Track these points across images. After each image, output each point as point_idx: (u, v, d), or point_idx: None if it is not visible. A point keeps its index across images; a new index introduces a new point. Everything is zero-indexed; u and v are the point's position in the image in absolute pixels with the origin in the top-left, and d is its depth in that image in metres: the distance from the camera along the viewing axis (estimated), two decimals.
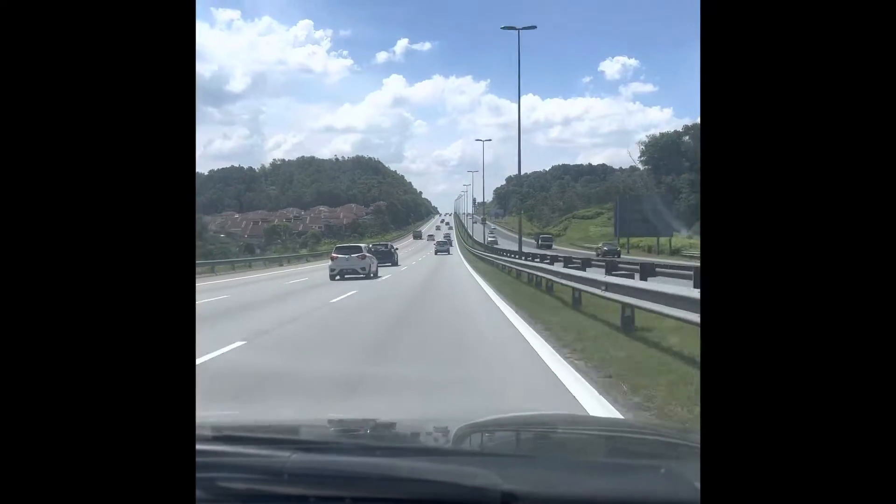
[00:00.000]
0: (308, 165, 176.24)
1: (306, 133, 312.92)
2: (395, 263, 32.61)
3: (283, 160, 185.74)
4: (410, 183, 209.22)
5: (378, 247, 34.02)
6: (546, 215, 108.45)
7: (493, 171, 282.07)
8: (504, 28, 29.00)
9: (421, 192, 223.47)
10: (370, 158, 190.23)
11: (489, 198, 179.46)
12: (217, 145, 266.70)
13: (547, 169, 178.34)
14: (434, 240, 73.87)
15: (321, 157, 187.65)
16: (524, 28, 29.24)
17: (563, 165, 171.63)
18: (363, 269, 21.40)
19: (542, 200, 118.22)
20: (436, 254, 51.53)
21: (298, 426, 1.72)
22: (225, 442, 1.05)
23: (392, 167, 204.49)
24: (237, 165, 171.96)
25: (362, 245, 25.44)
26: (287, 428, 1.65)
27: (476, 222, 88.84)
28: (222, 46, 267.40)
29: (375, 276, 21.92)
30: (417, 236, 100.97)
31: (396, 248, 38.35)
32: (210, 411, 0.96)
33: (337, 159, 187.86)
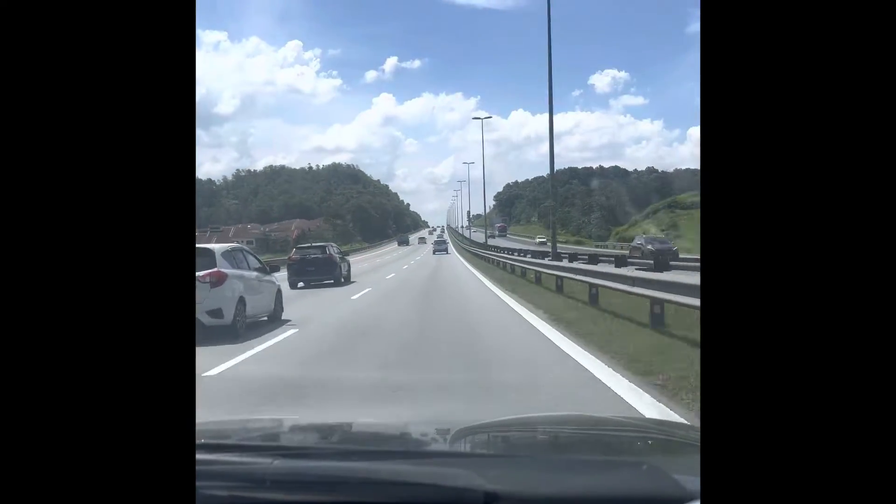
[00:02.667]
0: (276, 176, 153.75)
1: (296, 154, 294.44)
2: (340, 280, 18.12)
3: (249, 171, 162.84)
4: (397, 194, 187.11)
5: (305, 252, 18.87)
6: (575, 219, 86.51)
7: (480, 188, 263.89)
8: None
9: (409, 205, 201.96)
10: (349, 166, 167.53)
11: (489, 205, 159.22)
12: (206, 168, 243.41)
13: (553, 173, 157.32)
14: (426, 242, 70.75)
15: (291, 167, 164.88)
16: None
17: (571, 169, 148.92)
18: (218, 311, 7.34)
19: (566, 201, 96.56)
20: (434, 253, 49.39)
21: (279, 432, 1.71)
22: (206, 450, 1.03)
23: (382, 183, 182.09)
24: None
25: (215, 249, 7.69)
26: (268, 434, 1.64)
27: (493, 236, 68.27)
28: (210, 68, 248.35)
29: (279, 319, 9.32)
30: (404, 242, 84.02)
31: (345, 256, 22.12)
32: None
33: (311, 168, 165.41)
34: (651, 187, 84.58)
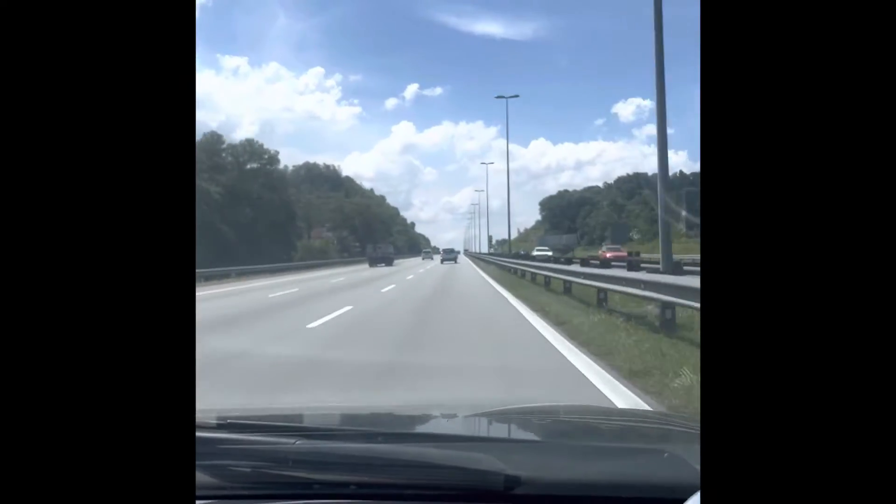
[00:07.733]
0: None
1: None
2: None
3: None
4: (397, 209, 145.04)
5: None
6: None
7: (500, 218, 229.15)
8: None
9: (414, 224, 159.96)
10: (327, 167, 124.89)
11: (530, 216, 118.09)
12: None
13: (610, 182, 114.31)
14: (432, 258, 66.25)
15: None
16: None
17: (637, 174, 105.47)
18: None
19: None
20: (442, 262, 48.99)
21: (303, 414, 1.74)
22: (231, 430, 1.06)
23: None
24: None
25: None
26: (292, 416, 1.66)
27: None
28: (228, 94, 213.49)
29: None
30: (382, 260, 48.38)
31: None
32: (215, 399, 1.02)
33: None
34: None
